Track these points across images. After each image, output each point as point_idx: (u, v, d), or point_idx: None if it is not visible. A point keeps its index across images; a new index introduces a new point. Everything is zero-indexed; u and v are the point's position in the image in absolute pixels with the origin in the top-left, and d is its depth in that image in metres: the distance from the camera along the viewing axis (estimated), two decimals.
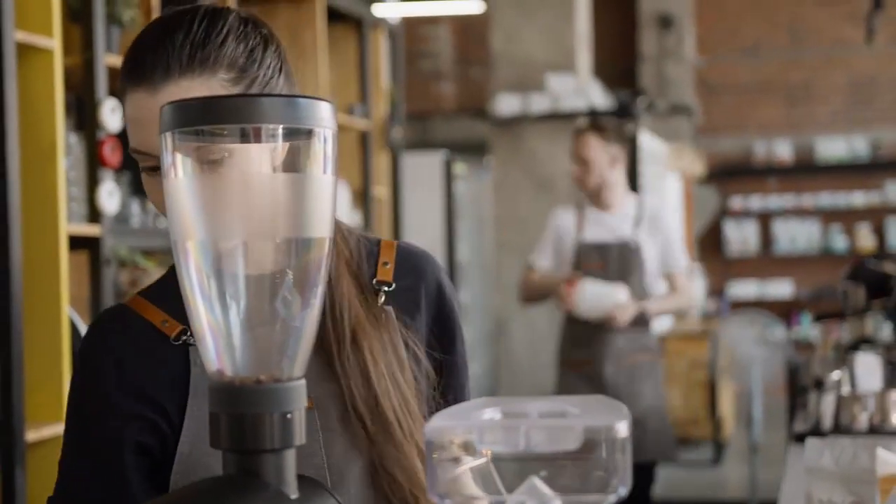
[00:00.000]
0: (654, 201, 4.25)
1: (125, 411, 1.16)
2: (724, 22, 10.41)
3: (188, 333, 1.17)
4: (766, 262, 10.37)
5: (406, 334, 1.22)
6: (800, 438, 2.57)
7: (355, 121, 4.73)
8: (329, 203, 0.82)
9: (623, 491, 0.71)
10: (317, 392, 1.16)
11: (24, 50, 2.66)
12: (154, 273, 3.01)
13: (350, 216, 4.67)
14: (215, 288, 0.80)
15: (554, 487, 0.72)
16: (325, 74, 4.39)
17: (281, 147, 0.83)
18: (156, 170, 1.12)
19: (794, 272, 10.32)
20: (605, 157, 3.94)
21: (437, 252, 7.01)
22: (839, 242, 10.19)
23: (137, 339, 1.18)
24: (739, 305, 9.76)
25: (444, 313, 1.28)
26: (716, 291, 10.10)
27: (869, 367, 2.87)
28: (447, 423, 0.74)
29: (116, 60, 2.97)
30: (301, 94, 1.07)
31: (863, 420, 2.57)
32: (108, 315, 1.23)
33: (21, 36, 2.62)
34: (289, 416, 0.79)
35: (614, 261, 3.95)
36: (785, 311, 9.87)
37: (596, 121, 4.15)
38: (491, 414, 0.75)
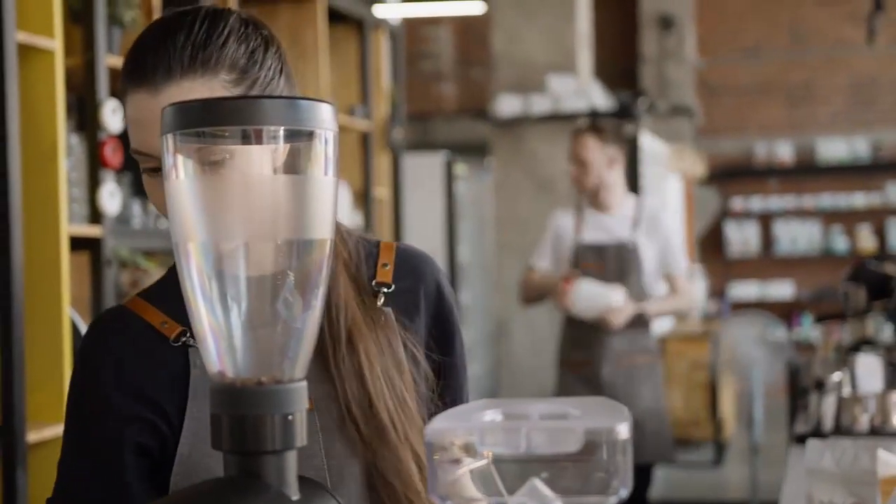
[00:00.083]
0: (653, 203, 4.25)
1: (124, 412, 1.16)
2: (725, 23, 10.41)
3: (188, 335, 1.16)
4: (767, 263, 10.37)
5: (405, 336, 1.22)
6: (801, 440, 2.57)
7: (356, 122, 4.73)
8: (330, 204, 0.83)
9: (624, 493, 0.71)
10: (316, 393, 1.16)
11: (25, 51, 2.66)
12: (155, 274, 3.01)
13: (351, 217, 4.67)
14: (216, 289, 0.80)
15: (555, 489, 0.72)
16: (326, 75, 4.40)
17: (282, 148, 0.84)
18: (157, 171, 1.12)
19: (795, 273, 10.32)
20: (602, 158, 3.95)
21: (437, 253, 7.02)
22: (840, 243, 10.19)
23: (137, 340, 1.18)
24: (740, 306, 9.75)
25: (444, 315, 1.28)
26: (717, 292, 10.10)
27: (870, 369, 2.87)
28: (448, 425, 0.74)
29: (117, 61, 2.97)
30: (302, 95, 1.07)
31: (864, 421, 2.57)
32: (107, 316, 1.23)
33: (22, 37, 2.62)
34: (290, 417, 0.79)
35: (612, 262, 3.95)
36: (786, 313, 9.87)
37: (594, 122, 4.16)
38: (492, 416, 0.75)
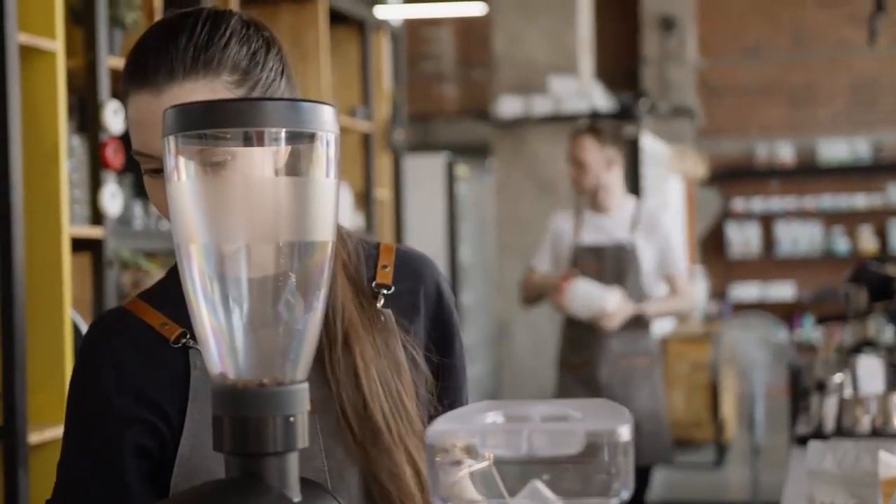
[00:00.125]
0: (652, 204, 4.25)
1: (125, 413, 1.16)
2: (726, 24, 10.41)
3: (188, 336, 1.16)
4: (768, 264, 10.37)
5: (405, 338, 1.22)
6: (802, 441, 2.57)
7: (357, 123, 4.73)
8: (332, 206, 0.83)
9: (625, 494, 0.71)
10: (315, 395, 1.16)
11: (26, 52, 2.67)
12: (156, 275, 3.01)
13: (352, 218, 4.68)
14: (218, 291, 0.80)
15: (556, 491, 0.72)
16: (328, 76, 4.40)
17: (283, 150, 0.84)
18: (158, 172, 1.12)
19: (796, 274, 10.32)
20: (600, 160, 3.95)
21: (439, 254, 7.02)
22: (841, 245, 10.19)
23: (136, 341, 1.18)
24: (741, 308, 9.75)
25: (443, 317, 1.28)
26: (718, 294, 10.10)
27: (871, 370, 2.86)
28: (450, 427, 0.74)
29: (119, 62, 2.97)
30: (303, 97, 1.07)
31: (865, 423, 2.57)
32: (107, 317, 1.23)
33: (24, 38, 2.63)
34: (291, 419, 0.79)
35: (610, 263, 3.95)
36: (787, 314, 9.86)
37: (592, 123, 4.16)
38: (493, 417, 0.75)
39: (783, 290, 10.28)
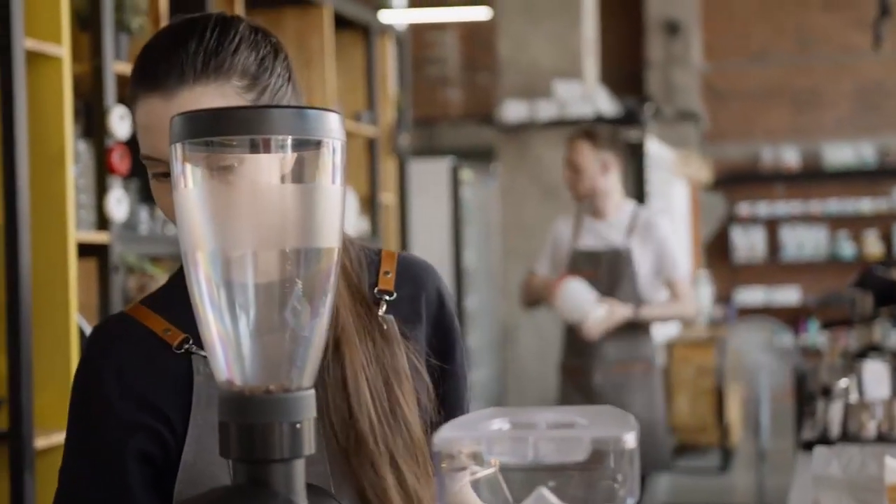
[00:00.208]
0: (649, 209, 4.23)
1: (127, 420, 1.16)
2: (731, 28, 10.41)
3: (190, 342, 1.16)
4: (774, 268, 10.36)
5: (406, 345, 1.22)
6: (808, 446, 2.56)
7: (362, 127, 4.74)
8: (338, 213, 0.83)
9: (631, 502, 0.71)
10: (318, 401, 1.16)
11: (33, 57, 2.67)
12: (162, 280, 3.01)
13: (357, 223, 4.68)
14: (225, 298, 0.80)
15: (562, 498, 0.72)
16: (333, 81, 4.40)
17: (290, 157, 0.84)
18: (166, 176, 1.12)
19: (802, 279, 10.31)
20: (595, 164, 3.95)
21: (443, 258, 7.02)
22: (847, 249, 10.18)
23: (139, 347, 1.18)
24: (747, 312, 9.74)
25: (445, 323, 1.28)
26: (723, 298, 10.09)
27: (877, 375, 2.86)
28: (456, 434, 0.74)
29: (125, 68, 2.98)
30: (309, 104, 1.07)
31: (871, 428, 2.57)
32: (109, 323, 1.23)
33: (30, 43, 2.63)
34: (298, 425, 0.79)
35: (605, 268, 3.95)
36: (792, 318, 9.85)
37: (588, 127, 4.15)
38: (499, 424, 0.75)
39: (788, 295, 10.27)
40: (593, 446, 0.70)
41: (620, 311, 3.87)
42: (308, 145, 0.81)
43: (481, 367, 7.34)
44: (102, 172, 2.93)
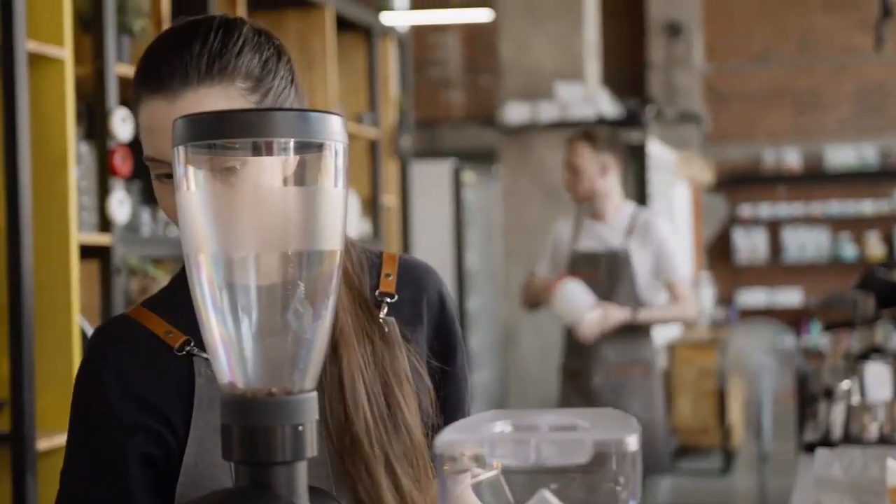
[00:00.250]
0: (648, 210, 4.22)
1: (129, 422, 1.16)
2: (733, 29, 10.41)
3: (192, 344, 1.16)
4: (775, 270, 10.36)
5: (408, 347, 1.22)
6: (809, 448, 2.56)
7: (364, 129, 4.74)
8: (340, 216, 0.83)
9: None
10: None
11: (35, 59, 2.68)
12: (164, 282, 3.02)
13: (359, 224, 4.68)
14: (227, 300, 0.80)
15: (564, 500, 0.72)
16: (335, 83, 4.40)
17: (292, 160, 0.84)
18: (170, 177, 1.12)
19: (804, 280, 10.30)
20: (594, 166, 3.95)
21: (445, 260, 7.02)
22: (848, 251, 10.17)
23: (140, 349, 1.18)
24: (748, 314, 9.74)
25: (446, 326, 1.28)
26: (725, 300, 10.08)
27: (879, 377, 2.86)
28: (458, 437, 0.74)
29: (127, 70, 2.98)
30: (310, 105, 1.07)
31: (873, 430, 2.57)
32: (110, 325, 1.23)
33: (32, 45, 2.64)
34: (300, 428, 0.79)
35: (604, 270, 3.95)
36: (794, 320, 9.85)
37: (587, 129, 4.15)
38: (501, 427, 0.75)
39: (790, 297, 10.27)
40: (595, 449, 0.70)
41: (615, 314, 3.87)
42: (310, 148, 0.82)
43: (483, 368, 7.34)
44: (104, 174, 2.94)
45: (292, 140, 0.80)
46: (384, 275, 1.25)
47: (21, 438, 2.56)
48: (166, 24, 3.21)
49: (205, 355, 1.15)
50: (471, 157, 8.34)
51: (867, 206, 10.12)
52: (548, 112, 6.68)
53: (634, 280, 3.94)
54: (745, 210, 10.34)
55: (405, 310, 1.25)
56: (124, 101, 2.95)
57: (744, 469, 6.99)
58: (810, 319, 10.10)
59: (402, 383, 1.20)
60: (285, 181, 0.87)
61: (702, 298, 8.15)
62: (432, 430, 1.22)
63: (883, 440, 2.52)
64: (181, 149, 0.81)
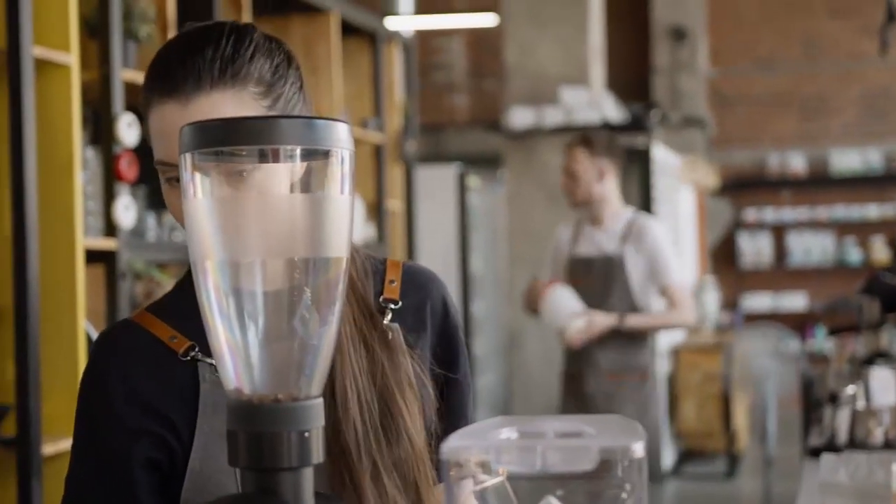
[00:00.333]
0: (645, 215, 4.21)
1: (133, 426, 1.16)
2: (738, 34, 10.40)
3: (196, 349, 1.16)
4: (780, 274, 10.35)
5: (411, 353, 1.22)
6: (815, 453, 2.56)
7: (369, 134, 4.74)
8: (346, 223, 0.83)
9: None
10: None
11: (41, 65, 2.68)
12: (169, 286, 3.02)
13: (364, 229, 4.69)
14: (234, 307, 0.81)
15: None
16: (340, 88, 4.41)
17: (299, 167, 0.84)
18: (179, 181, 1.13)
19: (809, 285, 10.29)
20: (592, 171, 3.95)
21: (450, 265, 7.02)
22: (853, 255, 10.16)
23: (145, 354, 1.18)
24: (753, 318, 9.73)
25: (449, 332, 1.28)
26: (730, 304, 10.07)
27: (884, 382, 2.85)
28: (464, 443, 0.74)
29: (133, 75, 2.99)
30: (318, 114, 1.07)
31: (878, 435, 2.56)
32: (114, 330, 1.23)
33: (39, 51, 2.65)
34: (306, 434, 0.79)
35: (599, 275, 3.95)
36: (799, 324, 9.84)
37: (585, 134, 4.15)
38: (507, 433, 0.75)
39: (795, 301, 10.26)
40: (601, 456, 0.70)
41: (601, 321, 3.85)
42: (317, 155, 0.82)
43: (487, 372, 7.34)
44: (110, 179, 2.94)
45: (299, 147, 0.81)
46: (388, 281, 1.26)
47: (27, 443, 2.57)
48: (172, 30, 3.22)
49: (209, 360, 1.15)
50: (476, 162, 8.35)
51: (872, 211, 10.11)
52: (553, 116, 6.69)
53: (629, 285, 3.93)
54: (750, 214, 10.34)
55: (409, 316, 1.25)
56: (130, 107, 2.96)
57: (748, 473, 6.98)
58: (815, 324, 10.08)
59: (404, 390, 1.20)
60: (292, 188, 0.87)
61: (707, 303, 8.14)
62: (434, 436, 1.22)
63: (888, 445, 2.52)
64: (188, 156, 0.81)
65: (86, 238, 2.81)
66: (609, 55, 8.10)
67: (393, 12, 5.08)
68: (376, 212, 4.83)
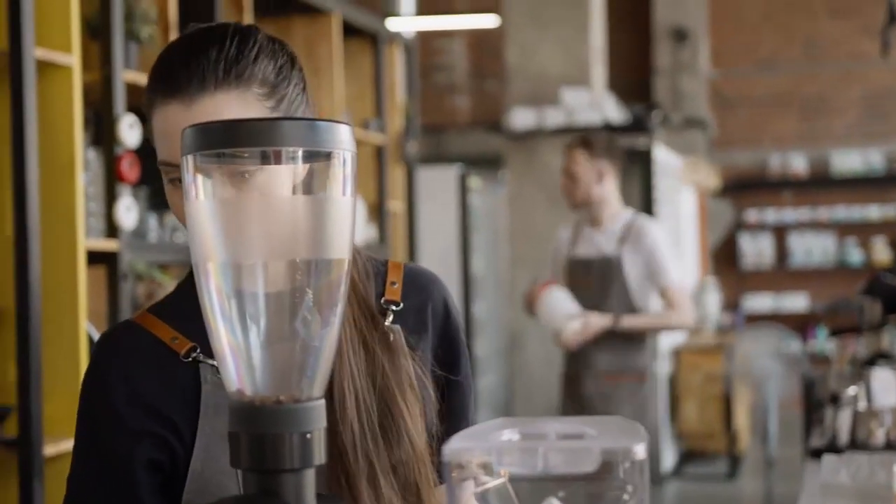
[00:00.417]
0: (643, 216, 4.21)
1: (135, 427, 1.16)
2: (739, 35, 10.40)
3: (198, 350, 1.17)
4: (782, 275, 10.35)
5: (412, 355, 1.22)
6: (816, 454, 2.56)
7: (370, 135, 4.75)
8: (348, 224, 0.83)
9: None
10: None
11: (43, 66, 2.69)
12: (171, 288, 3.02)
13: (365, 230, 4.69)
14: (236, 308, 0.81)
15: None
16: (341, 89, 4.41)
17: (301, 169, 0.84)
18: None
19: (810, 286, 10.29)
20: (591, 172, 3.95)
21: (451, 266, 7.02)
22: (855, 256, 10.16)
23: (146, 355, 1.18)
24: (755, 319, 9.73)
25: (451, 334, 1.28)
26: (731, 305, 10.07)
27: (885, 383, 2.85)
28: (466, 445, 0.74)
29: (135, 76, 2.99)
30: (320, 116, 1.07)
31: (879, 436, 2.56)
32: (116, 331, 1.23)
33: (40, 52, 2.65)
34: (308, 436, 0.79)
35: (597, 276, 3.95)
36: (800, 325, 9.83)
37: (585, 136, 4.15)
38: (509, 435, 0.76)
39: (796, 302, 10.26)
40: (603, 457, 0.70)
41: (596, 322, 3.85)
42: (319, 157, 0.82)
43: (488, 373, 7.34)
44: (112, 180, 2.94)
45: (301, 149, 0.81)
46: (389, 283, 1.26)
47: (28, 444, 2.57)
48: (174, 31, 3.22)
49: (211, 362, 1.15)
50: (477, 163, 8.35)
51: (873, 212, 10.10)
52: (554, 118, 6.69)
53: (627, 287, 3.94)
54: (752, 215, 10.33)
55: (410, 318, 1.25)
56: (132, 108, 2.96)
57: (750, 474, 6.98)
58: (817, 325, 10.08)
59: (405, 392, 1.20)
60: (294, 190, 0.87)
61: (707, 304, 8.14)
62: (436, 438, 1.22)
63: (889, 446, 2.52)
64: (190, 158, 0.81)
65: (87, 239, 2.81)
66: (610, 56, 8.10)
67: (394, 13, 5.09)
68: (377, 213, 4.83)
